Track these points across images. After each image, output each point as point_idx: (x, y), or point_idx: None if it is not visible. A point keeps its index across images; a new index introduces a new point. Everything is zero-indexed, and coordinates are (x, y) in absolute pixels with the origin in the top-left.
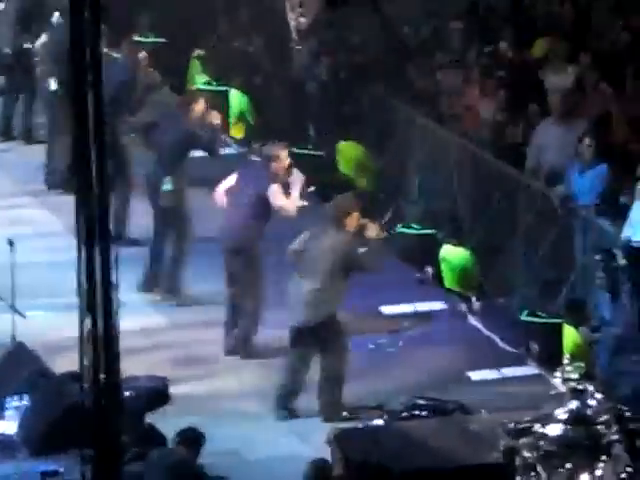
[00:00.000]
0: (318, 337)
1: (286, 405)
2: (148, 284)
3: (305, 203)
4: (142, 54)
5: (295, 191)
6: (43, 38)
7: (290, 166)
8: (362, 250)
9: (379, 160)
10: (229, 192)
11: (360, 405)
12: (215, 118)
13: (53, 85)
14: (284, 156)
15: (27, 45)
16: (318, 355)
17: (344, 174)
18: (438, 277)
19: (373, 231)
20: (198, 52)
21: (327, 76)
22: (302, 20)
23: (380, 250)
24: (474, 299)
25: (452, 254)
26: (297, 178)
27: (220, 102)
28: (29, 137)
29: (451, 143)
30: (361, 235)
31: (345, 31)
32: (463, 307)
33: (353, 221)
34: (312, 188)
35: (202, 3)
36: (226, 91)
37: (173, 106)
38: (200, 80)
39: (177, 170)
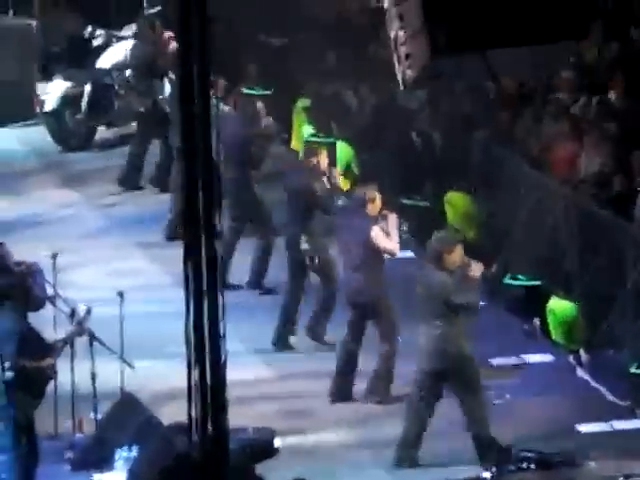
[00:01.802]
0: (449, 381)
1: (410, 455)
2: (284, 337)
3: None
4: (259, 104)
5: (394, 231)
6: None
7: (383, 207)
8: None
9: (486, 210)
10: (339, 246)
11: (470, 458)
12: (337, 175)
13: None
14: (377, 198)
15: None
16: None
17: (452, 225)
18: (546, 329)
19: (477, 270)
20: (302, 102)
21: (433, 126)
22: (409, 72)
23: (478, 290)
24: (582, 351)
25: (559, 306)
26: (392, 218)
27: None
28: (162, 186)
29: (558, 193)
30: (464, 274)
31: (452, 82)
32: (571, 359)
33: (455, 258)
34: (405, 227)
35: (307, 54)
36: (334, 142)
37: (295, 158)
38: (307, 131)
39: (311, 221)
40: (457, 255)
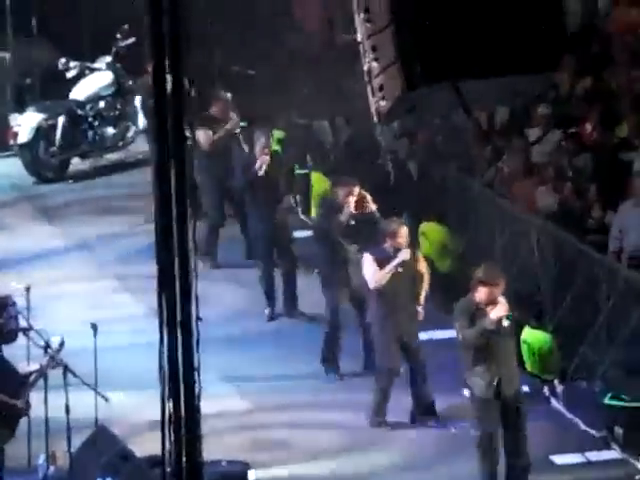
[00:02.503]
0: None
1: None
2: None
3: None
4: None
5: (391, 264)
6: None
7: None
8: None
9: (460, 241)
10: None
11: None
12: (371, 204)
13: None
14: (403, 232)
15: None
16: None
17: (426, 256)
18: (520, 360)
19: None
20: (276, 133)
21: (407, 157)
22: (382, 103)
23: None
24: (556, 382)
25: (533, 337)
26: (402, 253)
27: (302, 184)
28: None
29: (532, 225)
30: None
31: (425, 113)
32: (545, 390)
33: (483, 295)
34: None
35: (282, 85)
36: (308, 173)
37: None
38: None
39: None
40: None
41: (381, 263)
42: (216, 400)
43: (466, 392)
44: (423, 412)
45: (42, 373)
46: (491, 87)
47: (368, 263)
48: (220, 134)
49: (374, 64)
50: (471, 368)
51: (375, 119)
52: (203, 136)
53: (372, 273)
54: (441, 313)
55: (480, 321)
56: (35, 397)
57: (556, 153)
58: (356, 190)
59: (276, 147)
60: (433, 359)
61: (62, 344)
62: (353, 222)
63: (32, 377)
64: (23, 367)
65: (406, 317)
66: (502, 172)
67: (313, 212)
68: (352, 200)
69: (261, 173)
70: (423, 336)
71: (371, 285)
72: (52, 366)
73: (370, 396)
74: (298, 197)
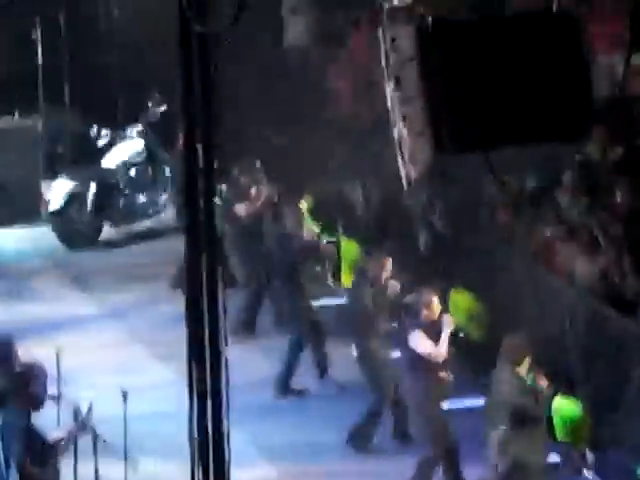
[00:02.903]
0: None
1: None
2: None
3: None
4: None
5: (445, 334)
6: None
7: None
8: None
9: (490, 309)
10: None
11: None
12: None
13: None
14: (436, 302)
15: None
16: None
17: (456, 323)
18: (551, 429)
19: (544, 381)
20: (305, 200)
21: (440, 226)
22: (412, 171)
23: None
24: (588, 451)
25: (565, 405)
26: (447, 321)
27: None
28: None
29: (563, 292)
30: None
31: (454, 181)
32: (577, 460)
33: (525, 365)
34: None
35: (311, 152)
36: (338, 241)
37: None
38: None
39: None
40: (527, 362)
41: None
42: (246, 468)
43: None
44: None
45: (71, 439)
46: (521, 155)
47: (422, 338)
48: (257, 205)
49: (404, 132)
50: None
51: (405, 185)
52: (241, 208)
53: (430, 347)
54: (470, 381)
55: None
56: (64, 465)
57: (587, 222)
58: (389, 264)
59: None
60: (468, 427)
61: (91, 409)
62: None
63: (61, 444)
64: (52, 435)
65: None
66: (537, 238)
67: (344, 280)
68: (385, 275)
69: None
70: (456, 404)
71: (443, 357)
72: (81, 431)
73: (400, 465)
74: (327, 263)
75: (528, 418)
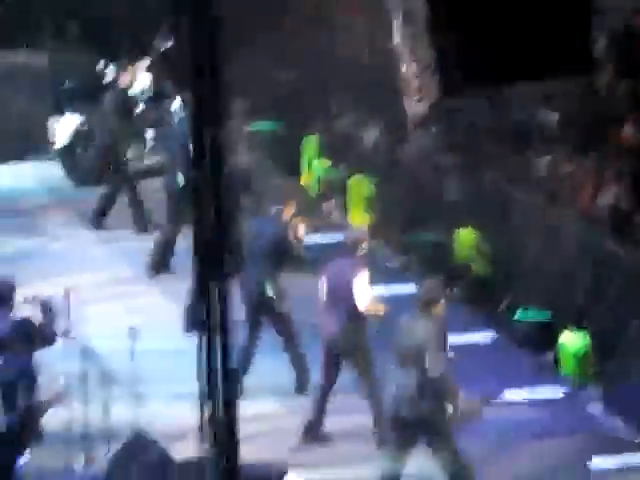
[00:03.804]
0: (423, 431)
1: None
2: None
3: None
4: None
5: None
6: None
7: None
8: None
9: (497, 245)
10: (327, 288)
11: None
12: (301, 230)
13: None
14: (366, 241)
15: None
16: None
17: (461, 259)
18: (558, 363)
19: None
20: (313, 137)
21: (447, 163)
22: (419, 108)
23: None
24: (595, 385)
25: (571, 340)
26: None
27: (341, 188)
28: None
29: (570, 227)
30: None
31: (462, 118)
32: (584, 394)
33: (440, 309)
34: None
35: (314, 88)
36: (347, 177)
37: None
38: (319, 165)
39: (276, 274)
40: (442, 307)
41: None
42: (254, 403)
43: None
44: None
45: (49, 407)
46: (532, 93)
47: (367, 284)
48: None
49: (411, 68)
50: None
51: (410, 123)
52: None
53: (368, 297)
54: (478, 316)
55: None
56: (75, 400)
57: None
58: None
59: (312, 152)
60: (470, 362)
61: (66, 387)
62: None
63: (42, 406)
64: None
65: None
66: (557, 176)
67: (355, 217)
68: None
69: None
70: (458, 339)
71: (362, 306)
72: (58, 403)
73: None
74: (334, 200)
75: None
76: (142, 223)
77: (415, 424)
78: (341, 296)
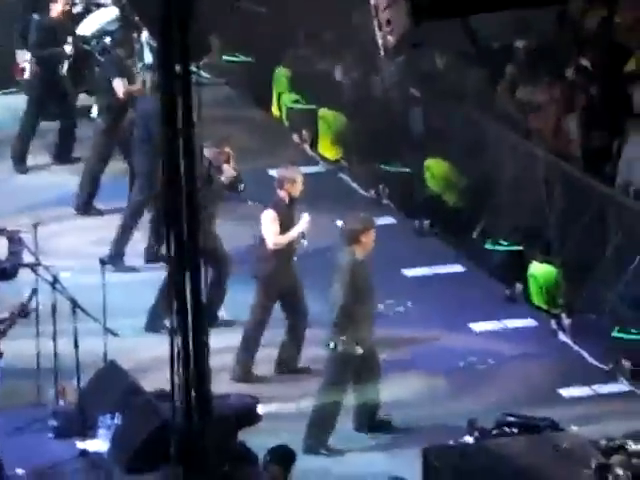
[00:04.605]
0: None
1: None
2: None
3: (306, 243)
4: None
5: (295, 231)
6: None
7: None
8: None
9: (467, 176)
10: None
11: (450, 422)
12: (228, 171)
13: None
14: (300, 180)
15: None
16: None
17: (432, 190)
18: (527, 294)
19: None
20: (283, 69)
21: (417, 93)
22: (390, 38)
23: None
24: (564, 315)
25: (540, 271)
26: (304, 219)
27: (310, 120)
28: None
29: (540, 159)
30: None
31: (433, 48)
32: (553, 324)
33: (368, 240)
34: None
35: (284, 22)
36: (316, 110)
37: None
38: (288, 98)
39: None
40: (370, 236)
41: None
42: (225, 335)
43: None
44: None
45: (13, 322)
46: (503, 22)
47: (271, 221)
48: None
49: None
50: None
51: (381, 53)
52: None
53: (272, 234)
54: (448, 248)
55: None
56: (45, 332)
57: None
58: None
59: (282, 85)
60: (440, 293)
61: (35, 292)
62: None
63: (2, 326)
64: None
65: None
66: (524, 105)
67: (325, 150)
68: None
69: None
70: (429, 271)
71: (270, 245)
72: (22, 315)
73: None
74: (305, 132)
75: (361, 294)
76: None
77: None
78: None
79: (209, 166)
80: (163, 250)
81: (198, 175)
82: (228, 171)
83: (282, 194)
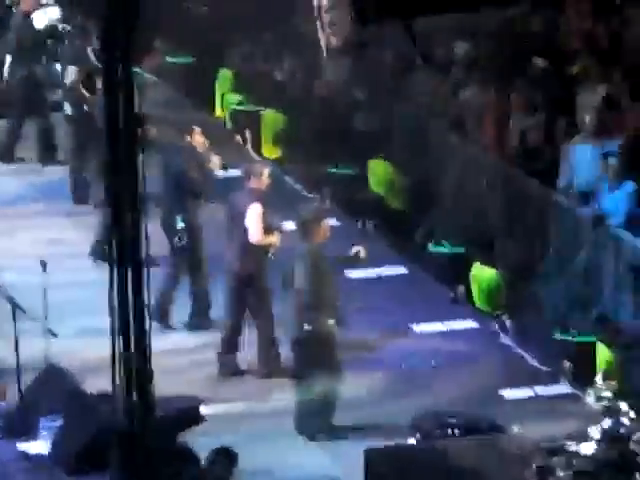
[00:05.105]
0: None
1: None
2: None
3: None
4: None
5: (276, 237)
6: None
7: (270, 185)
8: None
9: (410, 178)
10: (227, 220)
11: (392, 424)
12: (214, 164)
13: (68, 109)
14: (265, 172)
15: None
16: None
17: (375, 192)
18: (470, 295)
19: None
20: (226, 70)
21: (360, 95)
22: (333, 39)
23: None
24: (505, 317)
25: (482, 272)
26: (253, 208)
27: (253, 122)
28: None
29: (481, 161)
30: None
31: (377, 49)
32: (495, 326)
33: (321, 232)
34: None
35: (227, 23)
36: (259, 111)
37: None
38: (231, 99)
39: (188, 207)
40: (323, 228)
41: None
42: (167, 337)
43: None
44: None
45: None
46: (447, 25)
47: (258, 216)
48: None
49: (324, 0)
50: None
51: (324, 54)
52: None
53: (260, 229)
54: (392, 250)
55: None
56: None
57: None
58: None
59: (225, 86)
60: (383, 295)
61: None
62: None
63: None
64: None
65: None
66: (466, 106)
67: (266, 151)
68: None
69: None
70: (372, 273)
71: (253, 239)
72: None
73: None
74: (247, 133)
75: (325, 279)
76: (49, 156)
77: (303, 346)
78: (236, 229)
79: (195, 154)
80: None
81: (192, 164)
82: (215, 157)
83: (256, 187)
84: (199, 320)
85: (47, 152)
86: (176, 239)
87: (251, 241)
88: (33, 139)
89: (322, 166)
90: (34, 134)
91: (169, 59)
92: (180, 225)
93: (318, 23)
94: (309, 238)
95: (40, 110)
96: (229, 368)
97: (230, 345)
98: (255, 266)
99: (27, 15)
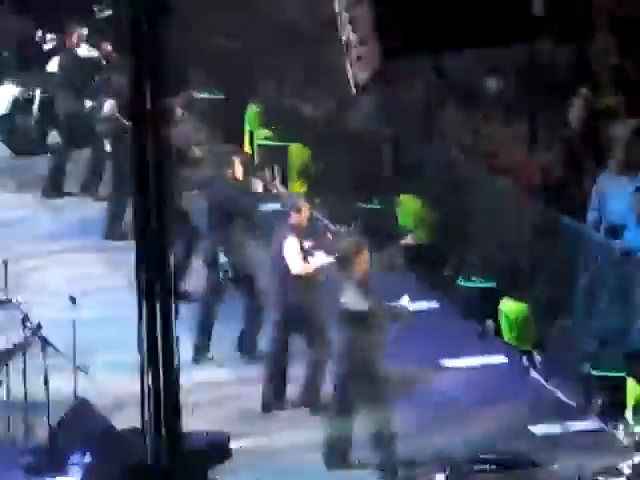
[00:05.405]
0: (359, 391)
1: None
2: (202, 352)
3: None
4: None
5: (321, 258)
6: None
7: (310, 218)
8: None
9: (439, 212)
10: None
11: (423, 460)
12: (258, 185)
13: (107, 146)
14: (304, 208)
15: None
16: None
17: (403, 226)
18: (499, 330)
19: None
20: (254, 105)
21: (389, 130)
22: (361, 75)
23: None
24: (535, 352)
25: (511, 307)
26: (329, 241)
27: (280, 157)
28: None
29: (511, 195)
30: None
31: (406, 84)
32: (524, 360)
33: (363, 259)
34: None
35: (256, 58)
36: (286, 146)
37: (216, 166)
38: (259, 135)
39: (231, 232)
40: (364, 262)
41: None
42: (196, 372)
43: None
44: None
45: (21, 349)
46: (474, 60)
47: (294, 250)
48: None
49: (352, 36)
50: None
51: (353, 90)
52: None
53: (298, 264)
54: (422, 284)
55: None
56: (14, 369)
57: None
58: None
59: (253, 122)
60: (413, 330)
61: (39, 327)
62: None
63: (3, 357)
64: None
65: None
66: (495, 141)
67: (292, 186)
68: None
69: None
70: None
71: (297, 271)
72: (25, 346)
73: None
74: (276, 168)
75: (369, 322)
76: (94, 189)
77: (351, 384)
78: (278, 262)
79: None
80: (123, 227)
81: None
82: (256, 180)
83: (295, 222)
84: (250, 351)
85: (94, 183)
86: (222, 273)
87: (293, 273)
88: (77, 173)
89: (351, 201)
90: (82, 167)
91: (198, 94)
92: (223, 260)
93: (347, 59)
94: (348, 271)
95: (89, 143)
96: (273, 402)
97: (276, 378)
98: (303, 297)
99: (73, 51)
